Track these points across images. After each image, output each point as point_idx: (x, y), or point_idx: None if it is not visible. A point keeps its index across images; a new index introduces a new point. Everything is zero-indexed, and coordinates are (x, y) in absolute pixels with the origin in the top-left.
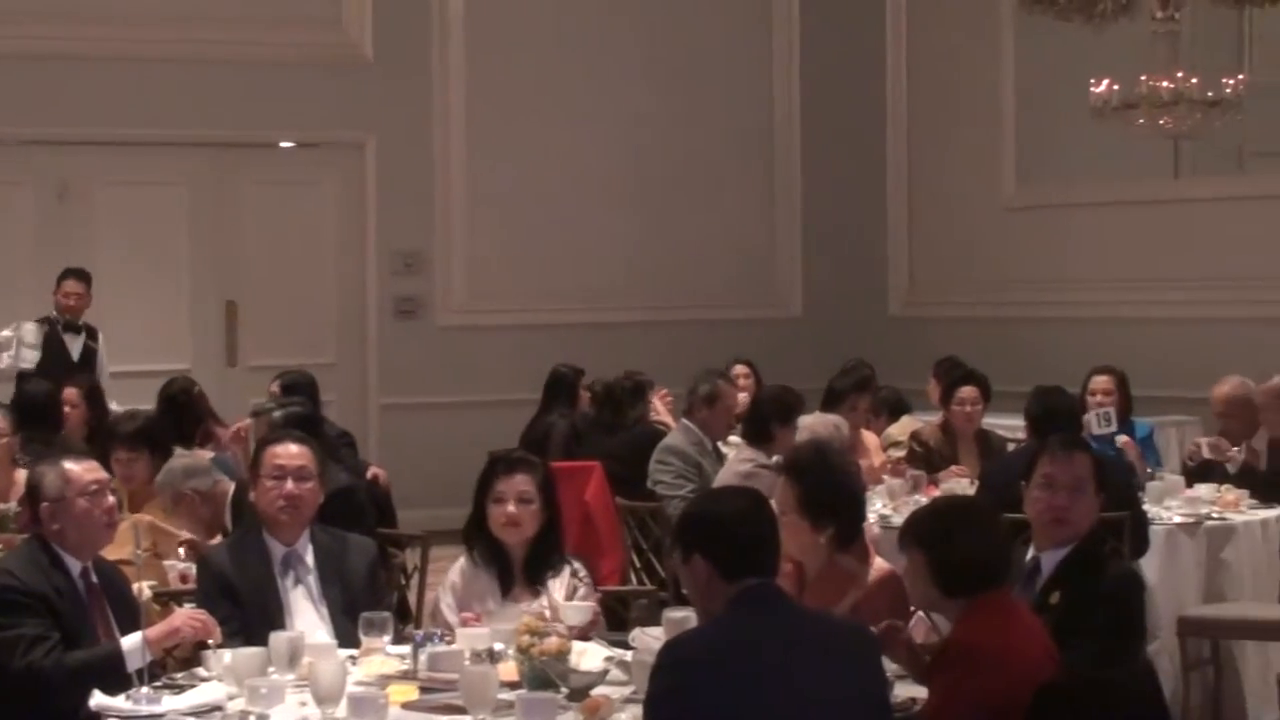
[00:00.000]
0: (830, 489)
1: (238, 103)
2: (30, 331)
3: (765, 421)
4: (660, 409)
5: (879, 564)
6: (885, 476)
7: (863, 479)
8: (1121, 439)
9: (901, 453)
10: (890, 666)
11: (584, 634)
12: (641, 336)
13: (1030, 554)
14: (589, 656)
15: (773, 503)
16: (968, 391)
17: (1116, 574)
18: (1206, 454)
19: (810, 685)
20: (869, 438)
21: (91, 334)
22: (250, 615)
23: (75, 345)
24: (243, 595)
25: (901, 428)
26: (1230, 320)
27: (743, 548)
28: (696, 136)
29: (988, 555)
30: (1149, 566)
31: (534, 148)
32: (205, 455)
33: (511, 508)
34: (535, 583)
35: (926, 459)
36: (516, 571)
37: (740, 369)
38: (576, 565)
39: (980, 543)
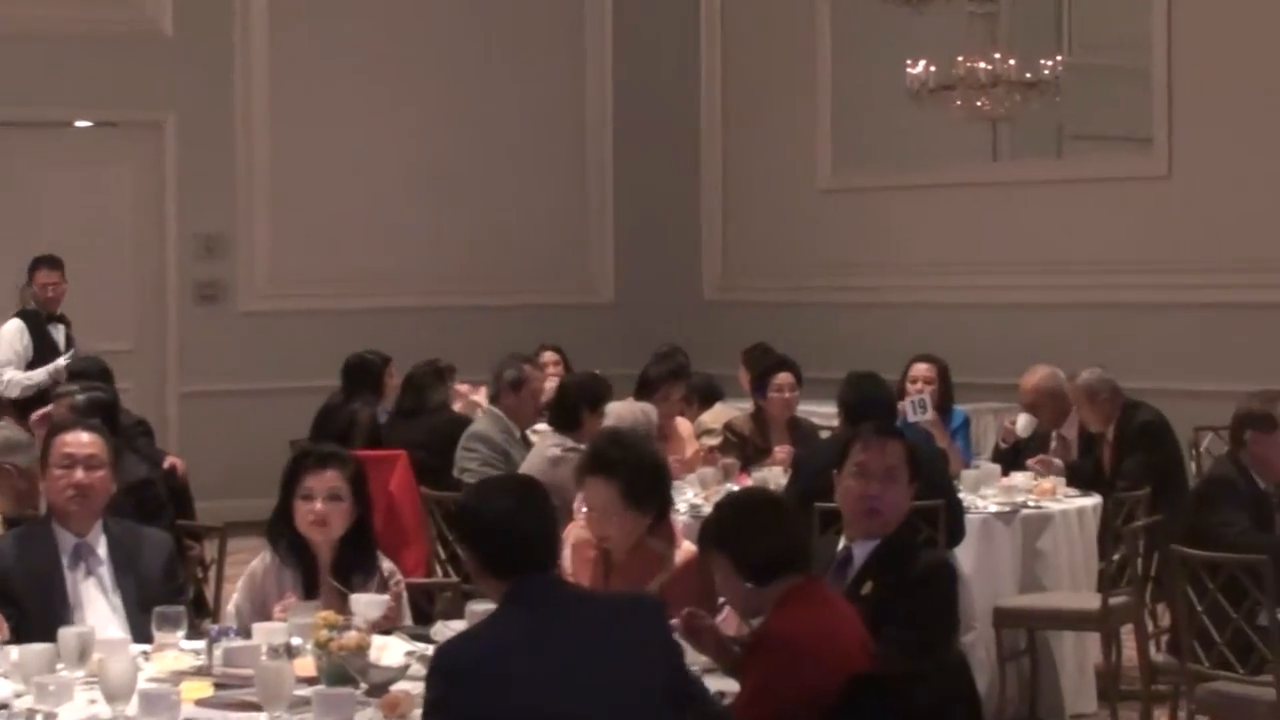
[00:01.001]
0: (648, 474)
1: (31, 80)
2: (13, 332)
3: (574, 408)
4: (465, 394)
5: (686, 547)
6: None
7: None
8: (927, 416)
9: (715, 441)
10: (699, 659)
11: (385, 628)
12: (450, 322)
13: (842, 544)
14: (390, 651)
15: (579, 497)
16: (784, 378)
17: (928, 563)
18: (1021, 434)
19: (592, 676)
20: (682, 426)
21: (67, 322)
22: (34, 609)
23: (59, 336)
24: (24, 589)
25: (714, 415)
26: (1047, 306)
27: (509, 545)
28: (508, 118)
29: (785, 542)
30: (964, 556)
31: (340, 128)
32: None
33: (320, 505)
34: (342, 585)
35: (740, 448)
36: (323, 572)
37: (549, 355)
38: (387, 568)
39: (775, 532)
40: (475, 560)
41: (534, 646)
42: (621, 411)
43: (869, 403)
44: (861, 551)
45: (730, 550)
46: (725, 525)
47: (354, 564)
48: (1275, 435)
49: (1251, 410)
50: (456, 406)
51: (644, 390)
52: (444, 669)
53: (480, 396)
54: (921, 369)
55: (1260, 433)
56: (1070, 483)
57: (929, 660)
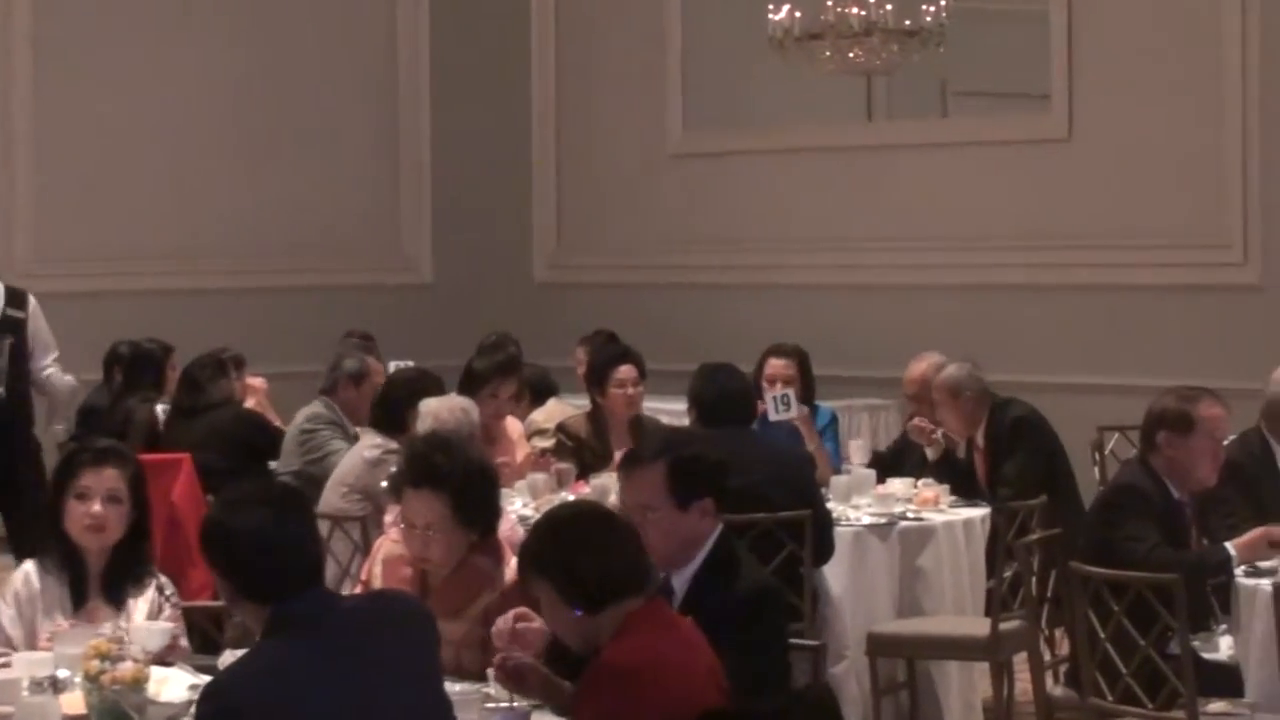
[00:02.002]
0: (478, 485)
1: None
2: None
3: (398, 406)
4: (258, 389)
5: (515, 564)
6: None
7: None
8: (793, 413)
9: (547, 443)
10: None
11: (165, 659)
12: (243, 305)
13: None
14: (171, 685)
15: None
16: (626, 371)
17: (748, 590)
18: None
19: (381, 697)
20: (512, 426)
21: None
22: None
23: None
24: None
25: (547, 414)
26: (930, 287)
27: (264, 570)
28: (309, 82)
29: (618, 562)
30: (834, 575)
31: (118, 94)
32: None
33: (98, 507)
34: (114, 598)
35: (576, 452)
36: (93, 582)
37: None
38: (163, 581)
39: (605, 551)
40: (231, 585)
41: (315, 675)
42: (440, 410)
43: (725, 398)
44: (680, 581)
45: (553, 575)
46: (546, 547)
47: (127, 574)
48: (1193, 438)
49: (1166, 409)
50: (249, 403)
51: (469, 385)
52: (218, 710)
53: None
54: (778, 364)
55: (1176, 435)
56: (953, 486)
57: (768, 695)
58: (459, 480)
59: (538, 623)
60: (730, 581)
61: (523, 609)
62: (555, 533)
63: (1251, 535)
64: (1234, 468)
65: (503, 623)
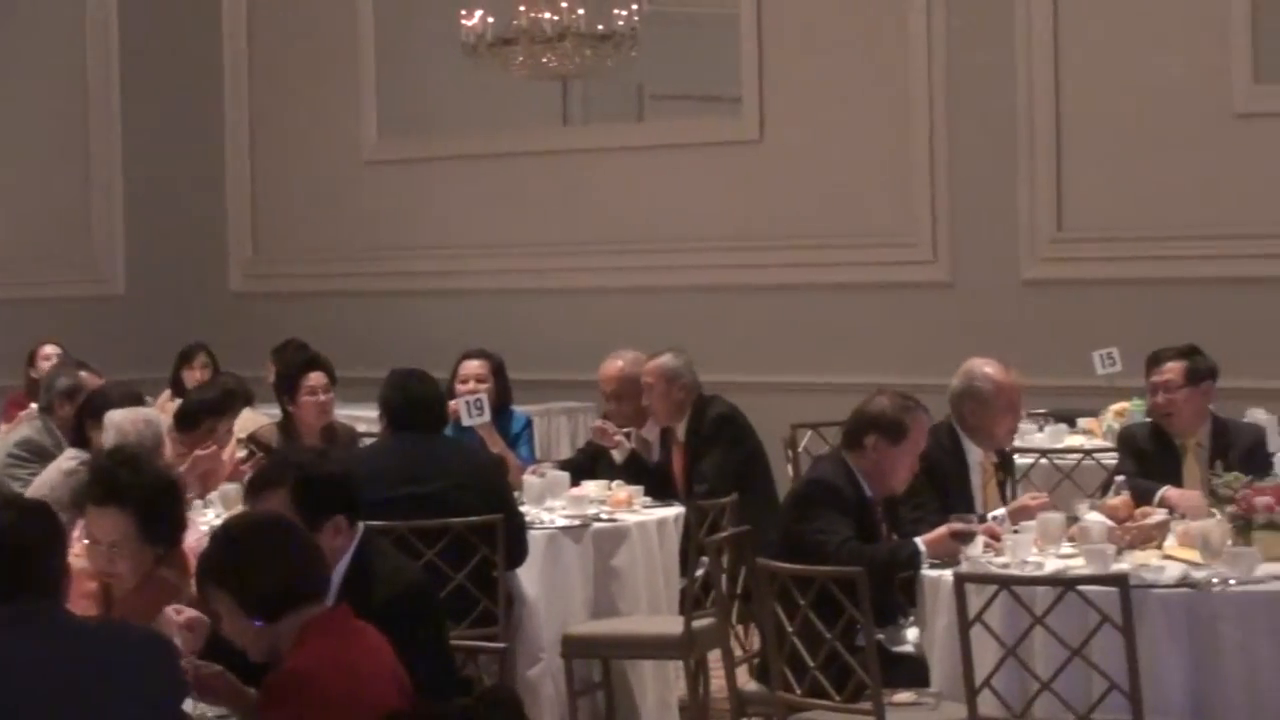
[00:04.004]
0: (164, 500)
1: None
2: None
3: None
4: None
5: None
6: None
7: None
8: (485, 419)
9: (241, 453)
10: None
11: None
12: None
13: None
14: None
15: (78, 524)
16: (316, 378)
17: (383, 599)
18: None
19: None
20: None
21: None
22: None
23: None
24: None
25: (241, 423)
26: (627, 290)
27: (7, 563)
28: None
29: (296, 569)
30: (528, 577)
31: None
32: None
33: None
34: None
35: None
36: None
37: (50, 349)
38: None
39: (283, 559)
40: None
41: (37, 677)
42: (123, 424)
43: (416, 404)
44: (335, 580)
45: (231, 586)
46: (223, 557)
47: None
48: (903, 447)
49: (883, 413)
50: None
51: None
52: None
53: None
54: (472, 366)
55: (886, 441)
56: (646, 489)
57: (445, 696)
58: (143, 497)
59: (215, 668)
60: (368, 593)
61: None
62: (231, 543)
63: (938, 532)
64: (924, 461)
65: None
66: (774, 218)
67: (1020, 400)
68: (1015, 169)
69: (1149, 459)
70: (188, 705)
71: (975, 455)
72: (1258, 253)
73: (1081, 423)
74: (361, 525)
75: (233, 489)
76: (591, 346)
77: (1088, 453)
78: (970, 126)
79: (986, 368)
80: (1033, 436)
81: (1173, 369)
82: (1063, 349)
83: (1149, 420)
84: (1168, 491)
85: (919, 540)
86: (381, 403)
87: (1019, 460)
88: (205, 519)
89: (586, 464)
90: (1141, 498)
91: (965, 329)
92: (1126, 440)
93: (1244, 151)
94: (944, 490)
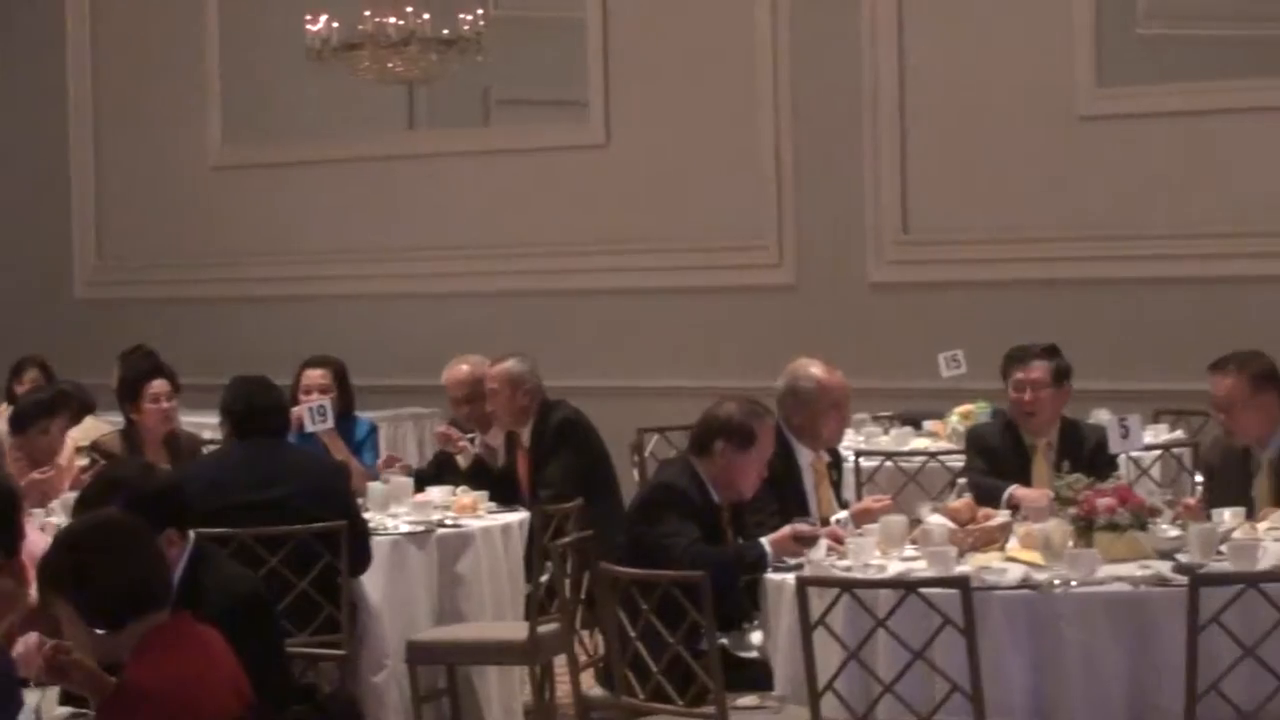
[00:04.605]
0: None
1: None
2: None
3: None
4: None
5: None
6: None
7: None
8: (328, 425)
9: (84, 461)
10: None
11: None
12: None
13: None
14: None
15: None
16: (159, 385)
17: (223, 602)
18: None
19: None
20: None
21: None
22: None
23: None
24: None
25: (84, 431)
26: (473, 295)
27: None
28: None
29: (138, 577)
30: (372, 584)
31: None
32: None
33: None
34: None
35: None
36: None
37: None
38: None
39: (124, 566)
40: None
41: None
42: None
43: (257, 411)
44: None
45: (71, 594)
46: (63, 564)
47: None
48: (751, 453)
49: (732, 419)
50: None
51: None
52: None
53: None
54: (314, 374)
55: (734, 448)
56: (491, 494)
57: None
58: None
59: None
60: (202, 603)
61: (58, 643)
62: (72, 549)
63: (781, 533)
64: None
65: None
66: (620, 222)
67: (847, 399)
68: (861, 172)
69: (998, 457)
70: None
71: (806, 457)
72: (1102, 254)
73: (927, 425)
74: (192, 535)
75: (74, 497)
76: (438, 352)
77: (933, 455)
78: (815, 131)
79: (812, 368)
80: (878, 439)
81: (1041, 368)
82: (909, 351)
83: (998, 419)
84: (1016, 490)
85: (764, 541)
86: (223, 409)
87: (864, 463)
88: (49, 522)
89: (435, 472)
90: (990, 497)
91: (811, 332)
92: (976, 439)
93: (1087, 154)
94: (779, 493)
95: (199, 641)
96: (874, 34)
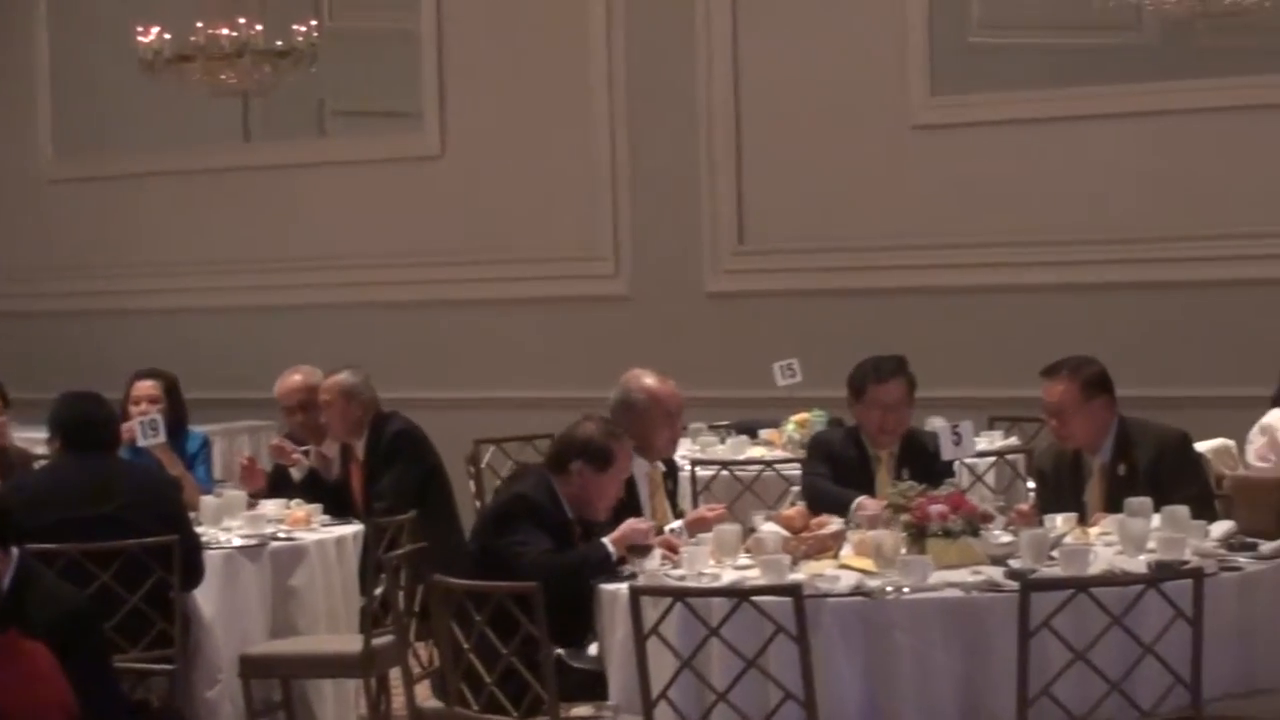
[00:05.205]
0: None
1: None
2: None
3: None
4: None
5: None
6: None
7: None
8: (160, 439)
9: None
10: None
11: None
12: None
13: None
14: None
15: None
16: None
17: (48, 618)
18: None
19: None
20: None
21: None
22: None
23: None
24: None
25: None
26: (307, 307)
27: None
28: None
29: None
30: (205, 598)
31: None
32: None
33: None
34: None
35: None
36: None
37: None
38: None
39: None
40: None
41: None
42: None
43: (87, 425)
44: None
45: None
46: None
47: None
48: (608, 474)
49: (590, 440)
50: None
51: None
52: None
53: None
54: (144, 387)
55: (591, 468)
56: (325, 506)
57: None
58: None
59: None
60: (26, 620)
61: None
62: None
63: (619, 530)
64: None
65: None
66: (456, 233)
67: (679, 409)
68: (697, 183)
69: (844, 465)
70: None
71: (641, 467)
72: (937, 263)
73: (763, 434)
74: (16, 551)
75: None
76: (272, 364)
77: (768, 464)
78: (652, 142)
79: (645, 379)
80: (714, 448)
81: (899, 386)
82: (744, 361)
83: (842, 428)
84: (864, 500)
85: (606, 541)
86: (52, 424)
87: (700, 472)
88: None
89: (270, 485)
90: (838, 505)
91: (648, 342)
92: (821, 445)
93: (921, 162)
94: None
95: (25, 658)
96: (709, 45)
